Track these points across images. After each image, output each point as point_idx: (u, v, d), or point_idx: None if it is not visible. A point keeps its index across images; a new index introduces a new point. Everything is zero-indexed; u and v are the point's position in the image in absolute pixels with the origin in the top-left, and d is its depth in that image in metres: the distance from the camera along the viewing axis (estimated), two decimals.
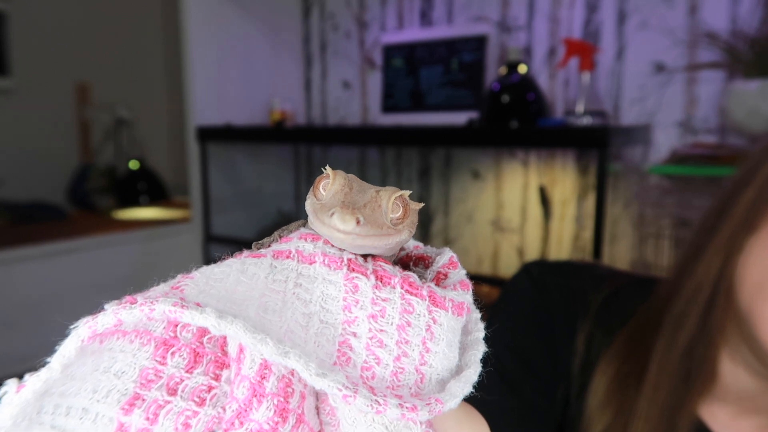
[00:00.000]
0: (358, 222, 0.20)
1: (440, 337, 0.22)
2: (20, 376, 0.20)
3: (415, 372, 0.21)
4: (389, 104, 1.68)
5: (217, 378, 0.19)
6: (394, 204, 0.22)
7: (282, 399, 0.19)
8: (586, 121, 1.25)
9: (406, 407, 0.19)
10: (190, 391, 0.19)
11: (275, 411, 0.19)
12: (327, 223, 0.21)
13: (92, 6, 2.06)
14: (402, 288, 0.21)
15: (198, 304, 0.19)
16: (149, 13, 2.26)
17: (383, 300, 0.21)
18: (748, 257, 0.43)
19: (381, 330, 0.21)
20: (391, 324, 0.21)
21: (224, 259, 0.23)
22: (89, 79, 2.06)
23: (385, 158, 1.82)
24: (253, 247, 0.24)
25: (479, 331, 0.25)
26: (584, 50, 1.28)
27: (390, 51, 1.67)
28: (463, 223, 1.67)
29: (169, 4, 2.21)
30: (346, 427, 0.20)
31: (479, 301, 0.25)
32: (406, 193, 0.22)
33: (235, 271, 0.21)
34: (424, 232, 1.75)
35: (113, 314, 0.19)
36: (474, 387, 0.22)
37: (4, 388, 0.19)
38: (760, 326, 0.42)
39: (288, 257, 0.22)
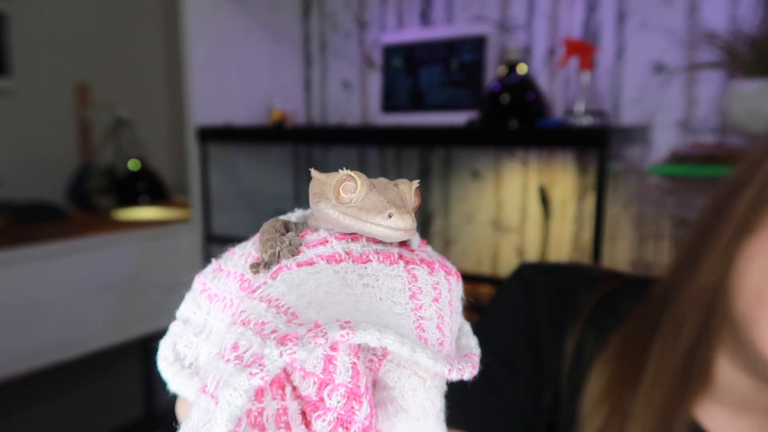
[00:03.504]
0: (412, 219, 0.23)
1: (459, 306, 0.25)
2: None
3: (453, 338, 0.24)
4: (389, 104, 1.68)
5: (282, 398, 0.20)
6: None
7: (370, 395, 0.20)
8: (586, 121, 1.25)
9: (470, 366, 0.22)
10: (273, 419, 0.19)
11: (371, 406, 0.20)
12: (384, 224, 0.22)
13: (92, 6, 2.05)
14: (442, 270, 0.24)
15: (348, 323, 0.19)
16: (149, 13, 2.26)
17: (437, 283, 0.23)
18: (747, 261, 0.42)
19: (440, 309, 0.23)
20: (446, 302, 0.23)
21: (275, 274, 0.22)
22: (89, 79, 2.06)
23: (385, 158, 1.82)
24: (259, 268, 0.23)
25: None
26: (584, 50, 1.28)
27: (390, 51, 1.67)
28: (463, 223, 1.67)
29: (169, 4, 2.21)
30: (408, 399, 0.22)
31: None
32: (417, 184, 0.25)
33: (314, 284, 0.21)
34: (424, 232, 1.75)
35: (287, 356, 0.17)
36: (457, 386, 0.24)
37: None
38: (758, 335, 0.41)
39: (341, 260, 0.23)
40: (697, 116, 1.31)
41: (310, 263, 0.22)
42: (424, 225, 1.75)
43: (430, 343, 0.22)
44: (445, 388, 0.23)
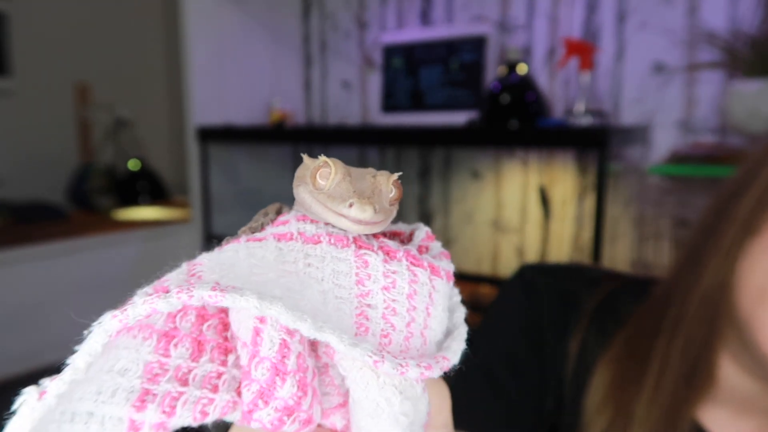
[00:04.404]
0: (375, 210, 0.22)
1: (438, 303, 0.24)
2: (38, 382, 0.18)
3: (420, 335, 0.23)
4: (389, 104, 1.68)
5: (223, 364, 0.20)
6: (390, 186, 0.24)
7: (302, 374, 0.20)
8: (586, 121, 1.25)
9: (423, 366, 0.21)
10: (201, 379, 0.19)
11: (298, 386, 0.20)
12: (345, 213, 0.22)
13: (92, 6, 2.06)
14: (407, 260, 0.23)
15: (232, 287, 0.19)
16: (149, 13, 2.26)
17: (393, 272, 0.22)
18: (749, 261, 0.42)
19: (393, 300, 0.22)
20: (402, 294, 0.22)
21: (222, 245, 0.23)
22: (89, 79, 2.06)
23: (385, 158, 1.82)
24: (242, 232, 0.24)
25: (457, 295, 0.26)
26: (584, 50, 1.28)
27: (390, 51, 1.67)
28: (463, 223, 1.67)
29: (169, 4, 2.21)
30: (358, 393, 0.21)
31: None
32: (397, 176, 0.24)
33: (244, 255, 0.21)
34: None
35: (147, 305, 0.18)
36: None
37: (23, 397, 0.17)
38: (760, 333, 0.41)
39: (291, 239, 0.23)
40: (697, 116, 1.31)
41: (259, 239, 0.23)
42: (425, 225, 1.75)
43: (371, 332, 0.21)
44: (416, 394, 0.21)
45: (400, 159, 1.79)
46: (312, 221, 0.23)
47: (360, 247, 0.22)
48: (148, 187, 2.01)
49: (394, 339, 0.22)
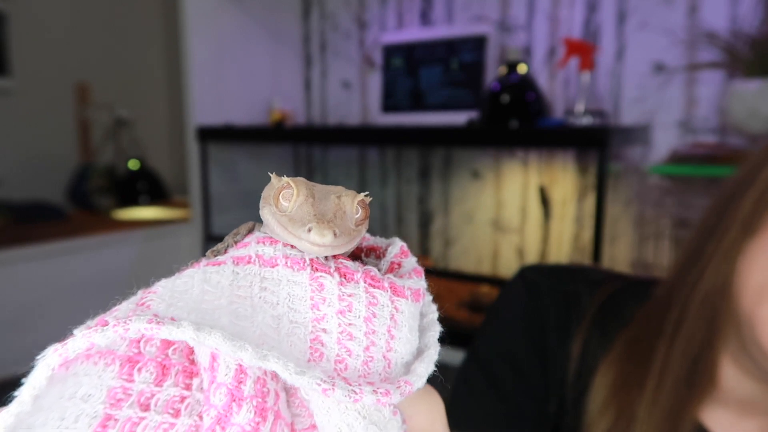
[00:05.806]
0: (335, 234, 0.21)
1: (403, 324, 0.23)
2: None
3: (383, 359, 0.22)
4: (389, 104, 1.68)
5: (187, 387, 0.20)
6: (356, 207, 0.23)
7: (260, 399, 0.19)
8: (586, 121, 1.25)
9: (380, 392, 0.20)
10: (164, 403, 0.19)
11: (255, 412, 0.19)
12: (304, 237, 0.21)
13: (92, 6, 2.06)
14: (365, 282, 0.22)
15: (172, 319, 0.19)
16: (149, 13, 2.26)
17: (349, 295, 0.22)
18: (750, 261, 0.42)
19: (350, 324, 0.21)
20: (359, 317, 0.22)
21: (183, 269, 0.23)
22: (89, 79, 2.06)
23: (385, 158, 1.82)
24: (208, 254, 0.24)
25: (433, 312, 0.26)
26: (584, 50, 1.28)
27: (390, 51, 1.67)
28: (463, 223, 1.67)
29: (169, 4, 2.21)
30: (320, 417, 0.21)
31: (431, 288, 0.26)
32: (363, 195, 0.24)
33: (198, 281, 0.21)
34: (423, 233, 1.75)
35: (85, 338, 0.19)
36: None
37: None
38: (761, 331, 0.41)
39: (249, 262, 0.22)
40: (697, 116, 1.31)
41: (218, 263, 0.22)
42: (425, 225, 1.75)
43: (326, 357, 0.21)
44: (382, 417, 0.21)
45: (400, 159, 1.79)
46: (272, 243, 0.23)
47: (316, 270, 0.22)
48: (148, 187, 2.01)
49: (351, 364, 0.21)
